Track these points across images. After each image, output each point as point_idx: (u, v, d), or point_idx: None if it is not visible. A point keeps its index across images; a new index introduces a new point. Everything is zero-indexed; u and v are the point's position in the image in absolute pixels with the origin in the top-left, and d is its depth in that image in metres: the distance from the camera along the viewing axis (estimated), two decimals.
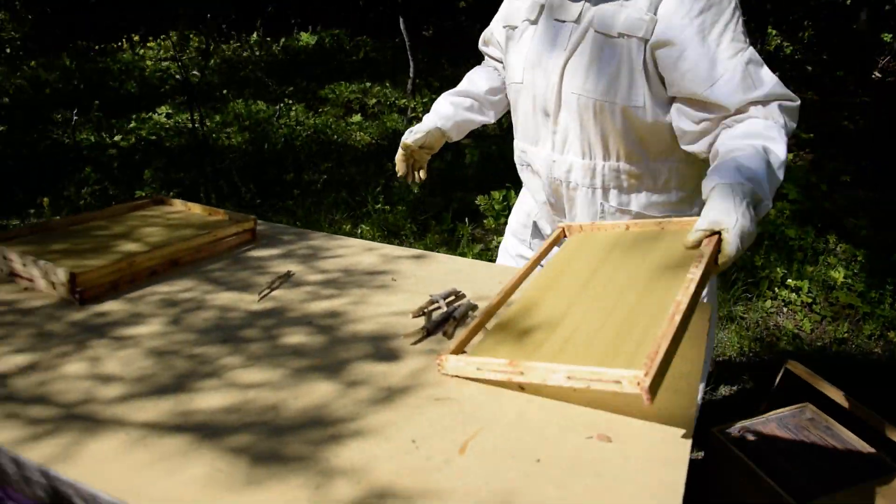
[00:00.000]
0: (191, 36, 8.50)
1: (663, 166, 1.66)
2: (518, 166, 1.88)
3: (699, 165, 1.67)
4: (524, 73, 1.69)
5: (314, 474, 0.91)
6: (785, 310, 3.53)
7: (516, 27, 1.75)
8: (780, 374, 2.25)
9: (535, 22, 1.68)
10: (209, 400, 1.07)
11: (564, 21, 1.62)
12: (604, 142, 1.63)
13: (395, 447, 0.97)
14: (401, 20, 6.12)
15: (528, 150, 1.77)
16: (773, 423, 2.25)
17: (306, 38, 9.27)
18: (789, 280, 3.63)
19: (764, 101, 1.46)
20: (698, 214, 1.31)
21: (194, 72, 6.71)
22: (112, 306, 1.42)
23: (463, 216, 4.11)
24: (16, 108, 6.54)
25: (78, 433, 1.00)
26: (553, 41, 1.64)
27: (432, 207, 4.31)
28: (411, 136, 1.87)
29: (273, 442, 0.97)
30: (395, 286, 1.52)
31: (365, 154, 5.26)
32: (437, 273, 1.59)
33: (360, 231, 3.94)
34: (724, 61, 1.47)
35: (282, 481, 0.89)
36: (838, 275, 3.66)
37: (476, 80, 1.99)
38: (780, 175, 1.39)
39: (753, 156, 1.35)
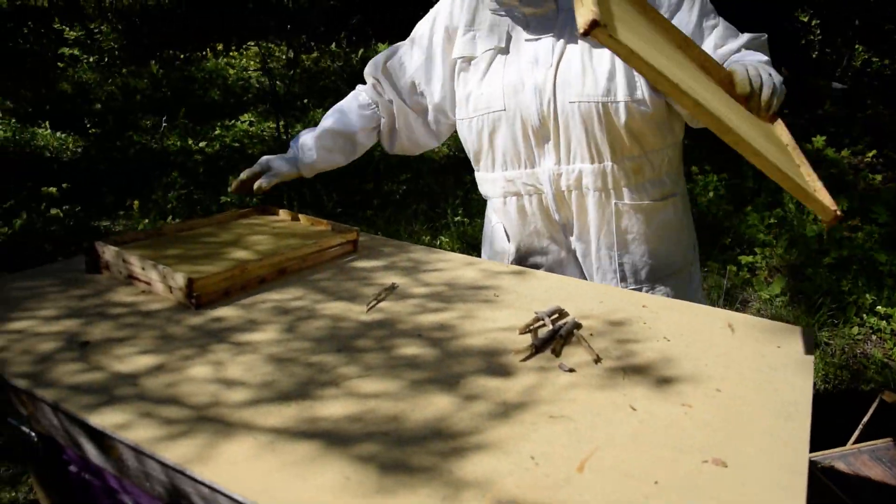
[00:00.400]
0: (272, 46, 8.73)
1: (658, 155, 1.74)
2: (499, 200, 1.87)
3: (681, 150, 1.84)
4: (506, 100, 1.70)
5: (441, 485, 0.93)
6: (874, 338, 3.43)
7: (475, 58, 1.76)
8: (875, 405, 2.19)
9: (505, 49, 1.71)
10: (332, 408, 1.11)
11: (539, 38, 1.67)
12: (610, 142, 1.67)
13: (515, 463, 0.99)
14: None
15: (520, 176, 1.78)
16: (866, 454, 2.19)
17: (383, 49, 9.41)
18: (879, 307, 3.53)
19: (746, 45, 1.67)
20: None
21: (278, 82, 6.89)
22: (227, 312, 1.48)
23: None
24: (108, 114, 6.82)
25: (210, 435, 1.05)
26: (533, 60, 1.68)
27: None
28: (266, 180, 1.92)
29: (398, 452, 1.00)
30: (498, 301, 1.54)
31: (443, 166, 5.32)
32: (537, 290, 1.61)
33: (439, 242, 3.98)
34: (709, 29, 1.68)
35: (411, 491, 0.92)
36: None
37: (352, 118, 1.99)
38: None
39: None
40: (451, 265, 1.76)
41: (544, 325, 1.41)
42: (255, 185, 1.90)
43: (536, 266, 1.90)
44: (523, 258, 1.91)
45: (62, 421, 1.19)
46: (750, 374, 1.29)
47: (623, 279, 1.84)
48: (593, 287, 1.66)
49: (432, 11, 1.90)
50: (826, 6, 8.72)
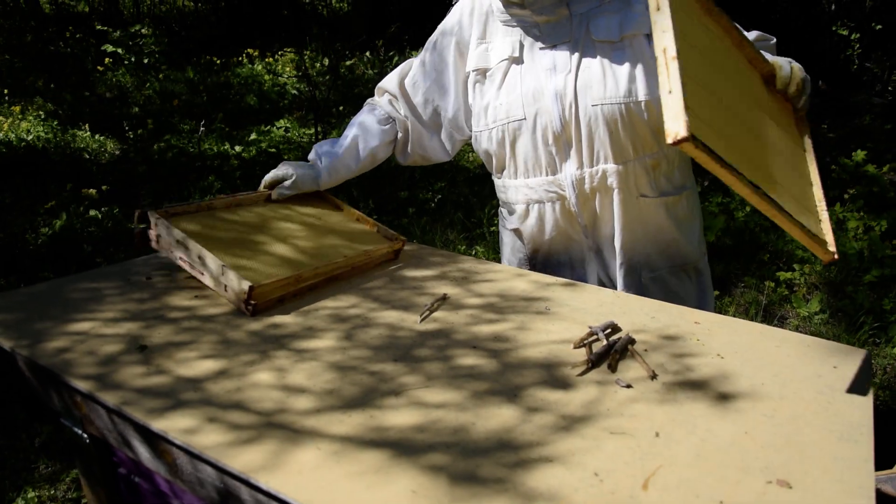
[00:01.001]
0: (309, 53, 8.81)
1: (672, 150, 1.79)
2: (521, 206, 1.90)
3: None
4: (526, 108, 1.74)
5: (512, 497, 0.94)
6: None
7: (490, 69, 1.80)
8: None
9: (520, 58, 1.75)
10: (397, 417, 1.13)
11: (555, 46, 1.71)
12: (633, 141, 1.73)
13: (580, 478, 1.00)
14: None
15: (542, 183, 1.82)
16: None
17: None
18: None
19: (755, 42, 1.78)
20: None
21: (314, 89, 6.96)
22: (283, 319, 1.50)
23: None
24: (146, 118, 6.93)
25: (278, 443, 1.06)
26: (551, 67, 1.72)
27: None
28: (283, 192, 1.94)
29: (467, 463, 1.01)
30: (551, 314, 1.55)
31: (478, 175, 5.34)
32: (589, 303, 1.62)
33: (474, 252, 4.00)
34: None
35: (484, 502, 0.93)
36: None
37: (373, 133, 2.01)
38: None
39: None
40: (501, 276, 1.77)
41: (598, 339, 1.41)
42: (274, 194, 1.93)
43: (559, 266, 1.95)
44: (544, 263, 1.96)
45: (116, 423, 1.22)
46: (808, 395, 1.28)
47: (649, 270, 1.89)
48: (644, 302, 1.66)
49: (441, 27, 1.94)
50: (866, 20, 8.63)
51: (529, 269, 1.95)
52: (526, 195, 1.86)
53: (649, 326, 1.51)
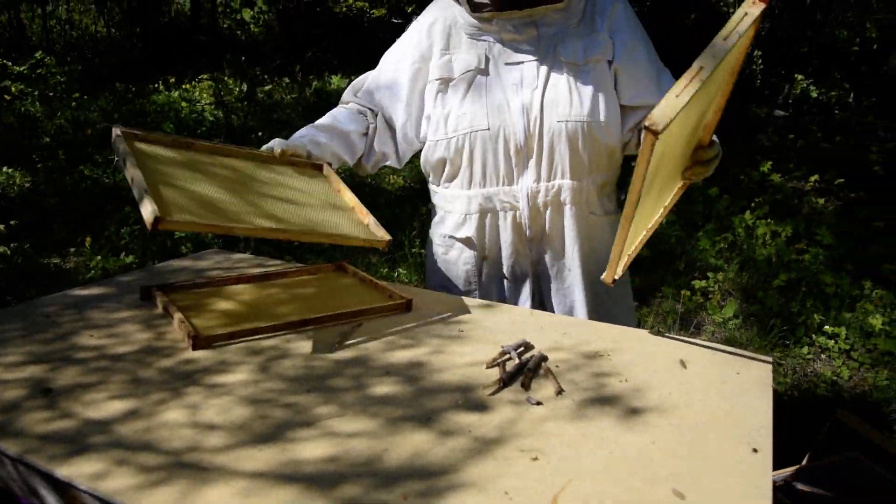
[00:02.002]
0: (226, 79, 8.71)
1: (616, 171, 1.94)
2: (474, 217, 1.92)
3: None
4: (490, 119, 1.80)
5: None
6: (823, 357, 3.54)
7: (453, 79, 1.85)
8: (830, 423, 2.27)
9: (485, 70, 1.81)
10: (308, 450, 1.12)
11: (522, 62, 1.79)
12: (590, 159, 1.83)
13: (491, 499, 1.02)
14: None
15: (497, 192, 1.87)
16: (823, 471, 2.26)
17: (337, 81, 9.45)
18: (826, 327, 3.65)
19: None
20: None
21: (233, 115, 6.87)
22: (196, 354, 1.48)
23: None
24: (57, 148, 6.71)
25: (188, 482, 1.04)
26: (518, 82, 1.79)
27: None
28: (280, 146, 1.83)
29: (379, 492, 1.02)
30: (465, 336, 1.57)
31: (399, 197, 5.35)
32: (503, 323, 1.65)
33: (397, 274, 4.00)
34: (662, 71, 1.86)
35: None
36: (877, 321, 3.67)
37: (344, 119, 2.00)
38: None
39: None
40: (417, 300, 1.78)
41: (511, 358, 1.44)
42: (277, 152, 1.82)
43: (502, 277, 1.96)
44: (491, 274, 1.97)
45: (21, 472, 1.18)
46: (713, 402, 1.34)
47: (591, 286, 1.94)
48: (558, 319, 1.70)
49: (403, 38, 1.98)
50: (767, 37, 9.04)
51: (477, 280, 1.97)
52: (480, 204, 1.89)
53: (563, 343, 1.55)
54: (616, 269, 1.52)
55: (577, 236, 1.88)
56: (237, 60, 9.03)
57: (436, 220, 2.06)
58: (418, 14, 2.02)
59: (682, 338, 1.63)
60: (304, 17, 11.19)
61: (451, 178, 1.93)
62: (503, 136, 1.80)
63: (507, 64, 1.80)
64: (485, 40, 1.83)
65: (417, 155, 2.05)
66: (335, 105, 2.10)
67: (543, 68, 1.78)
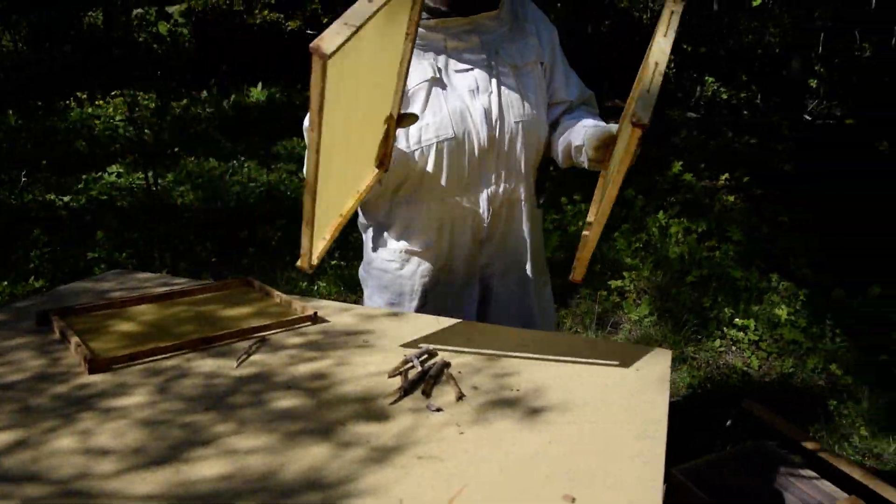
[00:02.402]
0: (139, 95, 8.50)
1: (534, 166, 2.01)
2: (435, 227, 1.90)
3: None
4: (455, 127, 1.81)
5: None
6: (734, 348, 3.67)
7: (409, 90, 1.82)
8: (737, 413, 2.35)
9: (440, 80, 1.83)
10: (207, 469, 1.11)
11: (471, 69, 1.83)
12: (536, 155, 1.92)
13: None
14: None
15: (462, 200, 1.88)
16: (732, 461, 2.33)
17: (256, 93, 9.34)
18: (737, 319, 3.78)
19: (587, 98, 2.01)
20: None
21: (146, 131, 6.72)
22: (93, 378, 1.44)
23: None
24: None
25: None
26: (473, 88, 1.83)
27: None
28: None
29: None
30: (371, 346, 1.58)
31: None
32: (409, 331, 1.66)
33: (316, 287, 3.98)
34: (570, 71, 1.99)
35: None
36: (782, 312, 3.83)
37: None
38: None
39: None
40: (326, 312, 1.78)
41: (414, 367, 1.45)
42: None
43: (451, 286, 1.97)
44: (442, 283, 1.97)
45: None
46: (612, 398, 1.38)
47: (540, 281, 2.04)
48: (461, 324, 1.72)
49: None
50: (680, 42, 9.34)
51: (432, 291, 1.97)
52: (443, 213, 1.88)
53: (467, 347, 1.56)
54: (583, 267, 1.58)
55: (529, 231, 1.97)
56: (152, 74, 8.83)
57: (385, 237, 1.98)
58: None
59: (586, 337, 1.66)
60: (221, 30, 11.03)
61: (414, 191, 1.90)
62: (468, 141, 1.82)
63: (457, 71, 1.83)
64: (430, 51, 1.83)
65: None
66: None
67: (493, 72, 1.84)
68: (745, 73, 10.32)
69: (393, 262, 1.96)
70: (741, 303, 3.93)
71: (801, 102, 9.29)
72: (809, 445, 2.22)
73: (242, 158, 6.53)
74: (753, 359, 3.56)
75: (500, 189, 1.88)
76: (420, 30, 1.81)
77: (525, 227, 1.97)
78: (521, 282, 2.01)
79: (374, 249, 2.00)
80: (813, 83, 10.22)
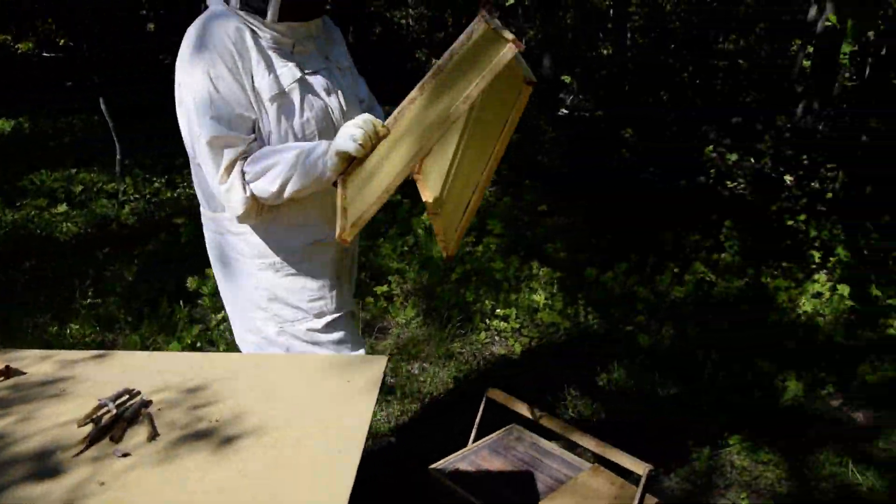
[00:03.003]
0: None
1: None
2: (330, 213, 1.94)
3: None
4: (326, 122, 1.94)
5: None
6: (497, 338, 3.84)
7: (285, 91, 1.86)
8: (483, 403, 2.45)
9: (303, 79, 1.89)
10: None
11: (316, 71, 1.93)
12: None
13: None
14: (101, 101, 5.86)
15: (327, 203, 1.95)
16: (485, 449, 2.44)
17: (1, 123, 8.55)
18: (498, 310, 3.96)
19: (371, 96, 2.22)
20: None
21: None
22: None
23: (181, 298, 4.01)
24: None
25: None
26: (326, 87, 1.94)
27: (148, 293, 4.17)
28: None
29: None
30: (67, 394, 1.48)
31: (73, 246, 4.95)
32: (113, 373, 1.57)
33: (68, 330, 3.70)
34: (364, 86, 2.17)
35: None
36: (540, 298, 4.06)
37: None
38: None
39: None
40: (25, 363, 1.64)
41: (109, 411, 1.38)
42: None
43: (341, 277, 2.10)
44: (339, 270, 2.08)
45: None
46: (315, 414, 1.38)
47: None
48: (172, 357, 1.66)
49: (206, 79, 1.78)
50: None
51: (336, 280, 2.02)
52: (332, 199, 1.87)
53: (173, 382, 1.51)
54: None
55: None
56: None
57: (278, 238, 1.96)
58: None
59: (300, 354, 1.66)
60: None
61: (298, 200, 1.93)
62: (333, 136, 1.85)
63: (308, 73, 1.90)
64: (285, 55, 1.88)
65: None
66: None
67: (332, 74, 1.97)
68: None
69: (299, 258, 1.98)
70: (501, 293, 4.12)
71: (556, 98, 9.96)
72: (550, 424, 2.36)
73: None
74: (517, 346, 3.74)
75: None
76: (274, 34, 1.85)
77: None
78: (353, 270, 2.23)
79: (271, 257, 1.96)
80: (567, 79, 10.99)
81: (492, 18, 1.58)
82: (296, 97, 1.88)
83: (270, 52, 1.87)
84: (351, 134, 1.73)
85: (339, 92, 1.97)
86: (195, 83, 1.78)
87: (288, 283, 1.95)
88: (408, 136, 1.64)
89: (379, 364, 1.60)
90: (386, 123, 1.77)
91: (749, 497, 2.68)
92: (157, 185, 6.13)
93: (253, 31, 1.83)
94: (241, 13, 1.82)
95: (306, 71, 1.90)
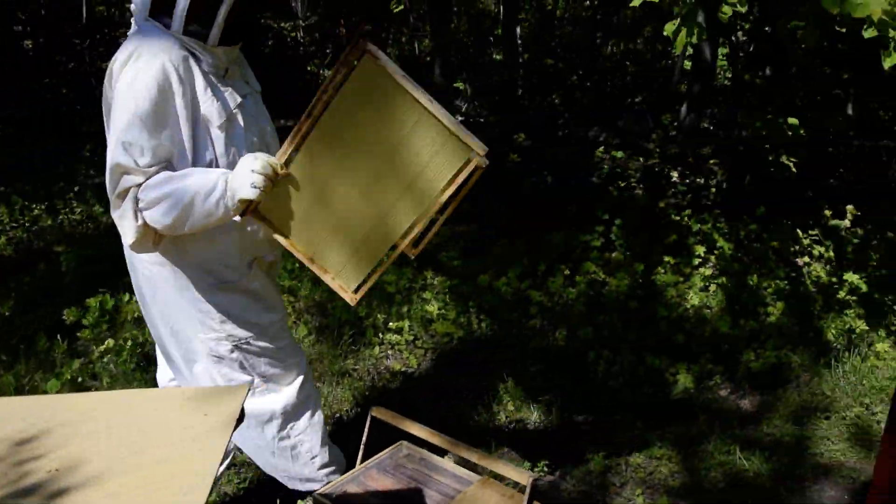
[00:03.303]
0: None
1: None
2: (254, 262, 2.06)
3: None
4: (265, 144, 2.00)
5: None
6: (391, 352, 3.77)
7: (231, 114, 1.91)
8: (369, 422, 2.38)
9: (243, 103, 1.95)
10: None
11: (247, 94, 1.99)
12: None
13: None
14: None
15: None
16: (373, 469, 2.37)
17: None
18: (391, 323, 3.90)
19: None
20: None
21: None
22: None
23: (60, 331, 3.78)
24: None
25: None
26: (255, 112, 2.01)
27: (24, 328, 3.93)
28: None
29: None
30: None
31: None
32: None
33: None
34: None
35: None
36: (433, 308, 4.02)
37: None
38: None
39: None
40: None
41: None
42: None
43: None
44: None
45: None
46: (166, 453, 1.29)
47: None
48: (21, 402, 1.54)
49: (146, 107, 1.75)
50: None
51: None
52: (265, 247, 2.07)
53: (6, 433, 1.38)
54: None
55: None
56: None
57: (220, 256, 1.98)
58: None
59: (160, 389, 1.56)
60: None
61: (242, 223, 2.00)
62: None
63: (242, 96, 1.95)
64: (219, 78, 1.90)
65: None
66: None
67: (256, 97, 2.04)
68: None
69: (254, 273, 2.05)
70: (394, 306, 4.06)
71: (450, 104, 10.00)
72: (435, 440, 2.31)
73: None
74: (412, 358, 3.69)
75: None
76: (213, 59, 1.86)
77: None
78: None
79: (225, 274, 2.00)
80: (460, 86, 11.09)
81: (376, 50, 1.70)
82: (240, 122, 1.93)
83: (212, 78, 1.89)
84: (252, 182, 1.73)
85: (264, 115, 2.06)
86: (124, 103, 1.76)
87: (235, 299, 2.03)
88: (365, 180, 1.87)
89: (239, 394, 1.52)
90: (280, 160, 1.79)
91: (644, 493, 2.71)
92: (36, 212, 5.82)
93: (195, 57, 1.82)
94: (184, 38, 1.75)
95: (240, 93, 1.95)
